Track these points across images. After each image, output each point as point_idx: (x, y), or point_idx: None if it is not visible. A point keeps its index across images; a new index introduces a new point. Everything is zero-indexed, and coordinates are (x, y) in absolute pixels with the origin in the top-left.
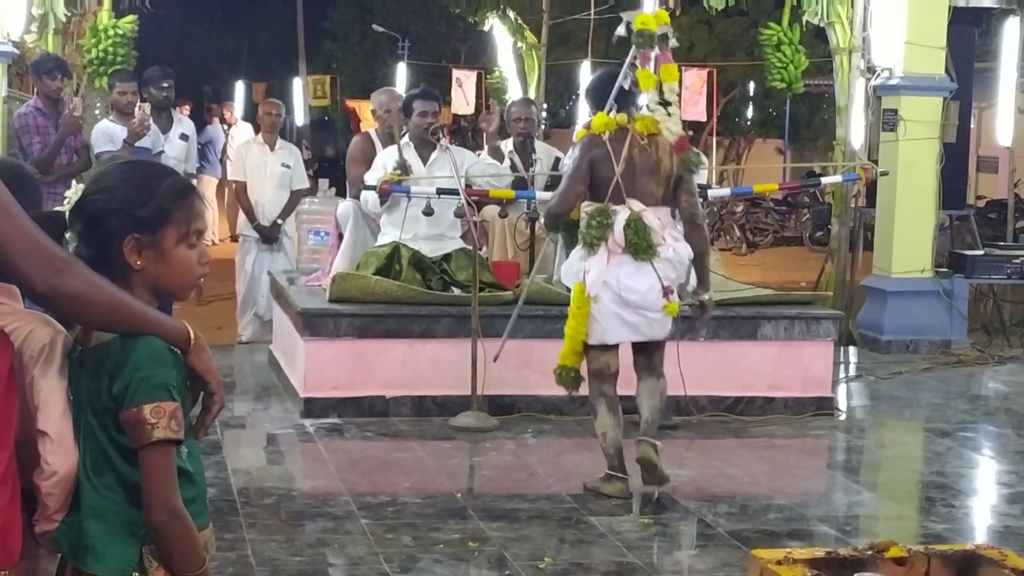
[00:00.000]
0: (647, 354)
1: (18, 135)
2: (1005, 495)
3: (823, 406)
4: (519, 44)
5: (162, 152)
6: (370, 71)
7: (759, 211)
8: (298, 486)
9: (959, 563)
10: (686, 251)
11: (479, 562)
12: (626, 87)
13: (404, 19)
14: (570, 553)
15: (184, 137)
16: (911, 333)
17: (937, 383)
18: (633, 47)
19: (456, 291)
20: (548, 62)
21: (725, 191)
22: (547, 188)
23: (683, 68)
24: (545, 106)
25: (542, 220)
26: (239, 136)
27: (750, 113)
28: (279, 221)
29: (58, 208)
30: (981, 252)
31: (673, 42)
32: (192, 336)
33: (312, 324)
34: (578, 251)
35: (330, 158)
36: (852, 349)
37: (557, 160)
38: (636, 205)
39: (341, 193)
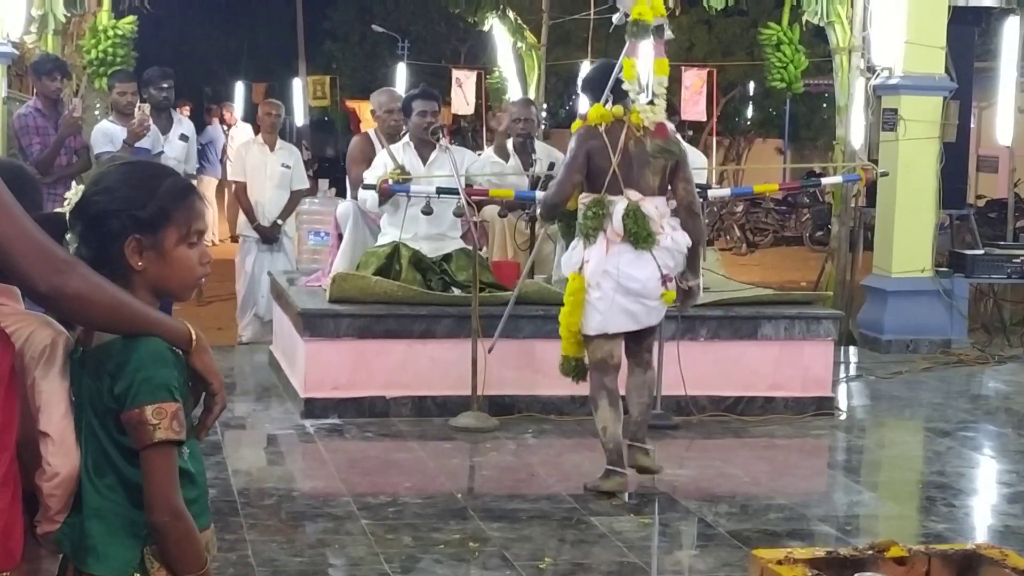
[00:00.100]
0: (638, 341)
1: (18, 136)
2: (1006, 495)
3: (823, 406)
4: (519, 44)
5: (162, 153)
6: (370, 71)
7: (759, 211)
8: (298, 486)
9: (960, 563)
10: (684, 240)
11: (479, 562)
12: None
13: (404, 19)
14: (570, 553)
15: (184, 138)
16: (911, 333)
17: (937, 383)
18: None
19: (456, 291)
20: (548, 62)
21: (725, 191)
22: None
23: (683, 68)
24: (545, 106)
25: (538, 211)
26: (239, 136)
27: (750, 113)
28: (279, 221)
29: (58, 209)
30: (981, 252)
31: (668, 34)
32: (194, 337)
33: (312, 324)
34: (576, 242)
35: (330, 158)
36: (852, 349)
37: (551, 166)
38: (634, 195)
39: (341, 193)
